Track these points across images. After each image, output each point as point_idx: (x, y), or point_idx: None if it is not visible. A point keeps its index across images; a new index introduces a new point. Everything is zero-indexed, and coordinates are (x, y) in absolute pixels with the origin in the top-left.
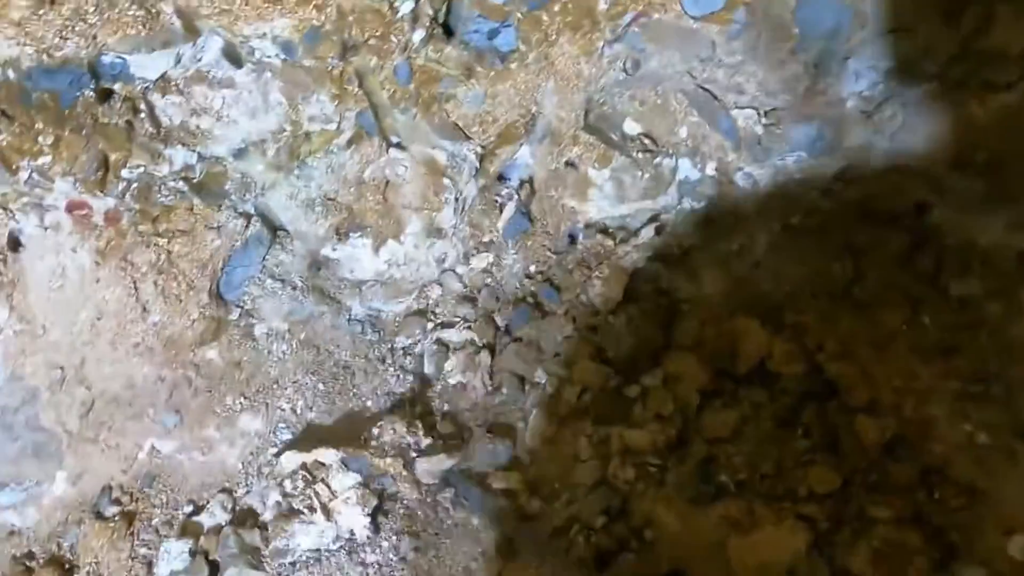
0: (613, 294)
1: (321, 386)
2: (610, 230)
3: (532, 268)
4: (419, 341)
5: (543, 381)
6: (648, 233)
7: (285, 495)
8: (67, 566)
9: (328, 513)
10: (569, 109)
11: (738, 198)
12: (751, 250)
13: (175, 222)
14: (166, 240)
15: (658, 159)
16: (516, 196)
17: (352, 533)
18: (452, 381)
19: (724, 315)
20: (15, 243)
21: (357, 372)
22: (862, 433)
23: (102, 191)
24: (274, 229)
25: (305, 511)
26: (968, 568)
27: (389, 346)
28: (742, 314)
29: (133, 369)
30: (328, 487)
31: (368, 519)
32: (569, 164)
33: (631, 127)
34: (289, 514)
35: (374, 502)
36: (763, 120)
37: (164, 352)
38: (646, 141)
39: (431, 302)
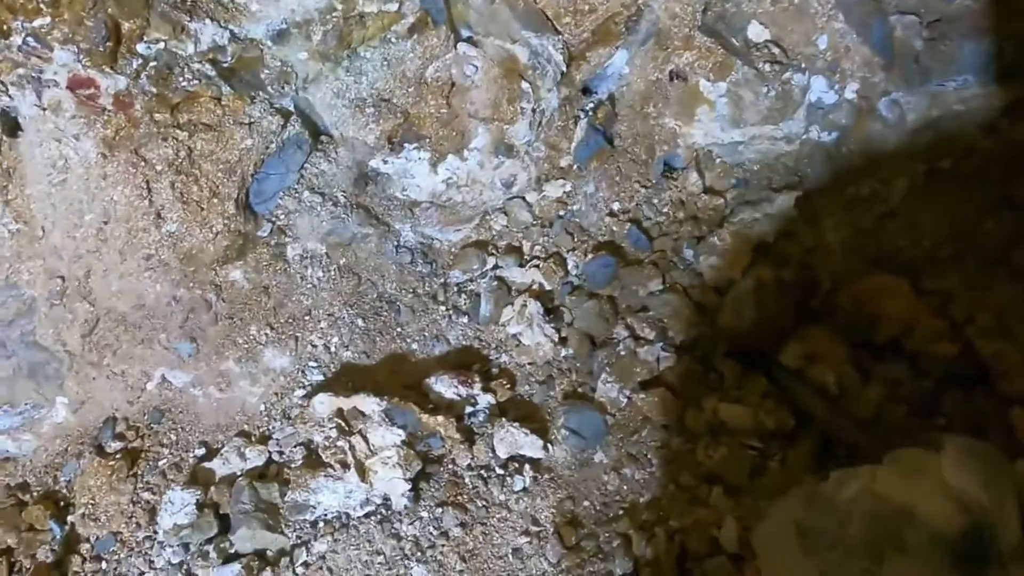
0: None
1: (360, 322)
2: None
3: (616, 205)
4: (477, 278)
5: (620, 339)
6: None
7: (313, 444)
8: (61, 503)
9: (363, 472)
10: (685, 2)
11: (879, 131)
12: (885, 197)
13: (199, 113)
14: (187, 134)
15: (787, 74)
16: (590, 113)
17: (387, 499)
18: (512, 331)
19: (853, 273)
20: (12, 126)
21: (403, 308)
22: (1018, 428)
23: (112, 67)
24: (316, 133)
25: (336, 466)
26: None
27: (442, 281)
28: (877, 271)
29: (144, 286)
30: (366, 441)
31: (408, 485)
32: (676, 75)
33: (757, 32)
34: (315, 465)
35: (418, 465)
36: (927, 32)
37: (180, 268)
38: (775, 50)
39: (494, 233)
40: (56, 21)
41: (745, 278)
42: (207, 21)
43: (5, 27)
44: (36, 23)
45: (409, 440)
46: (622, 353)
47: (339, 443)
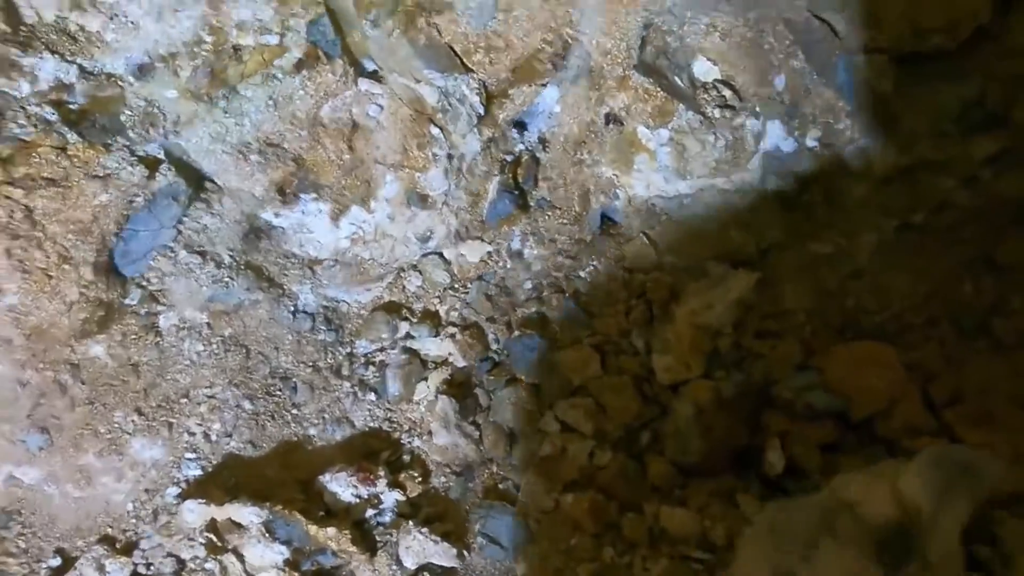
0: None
1: (248, 404)
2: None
3: (545, 266)
4: (387, 347)
5: (549, 432)
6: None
7: (181, 562)
8: None
9: None
10: (619, 37)
11: (843, 181)
12: (852, 254)
13: (37, 166)
14: (22, 191)
15: (739, 119)
16: (505, 170)
17: None
18: (423, 416)
19: (819, 342)
20: None
21: (300, 386)
22: (1009, 536)
23: None
24: (199, 180)
25: None
26: None
27: (348, 351)
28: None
29: None
30: (241, 561)
31: None
32: (611, 119)
33: (704, 70)
34: None
35: None
36: (898, 71)
37: (27, 346)
38: (724, 92)
39: (408, 294)
40: None
41: (682, 401)
42: (46, 55)
43: None
44: None
45: (294, 559)
46: (547, 450)
47: (207, 564)
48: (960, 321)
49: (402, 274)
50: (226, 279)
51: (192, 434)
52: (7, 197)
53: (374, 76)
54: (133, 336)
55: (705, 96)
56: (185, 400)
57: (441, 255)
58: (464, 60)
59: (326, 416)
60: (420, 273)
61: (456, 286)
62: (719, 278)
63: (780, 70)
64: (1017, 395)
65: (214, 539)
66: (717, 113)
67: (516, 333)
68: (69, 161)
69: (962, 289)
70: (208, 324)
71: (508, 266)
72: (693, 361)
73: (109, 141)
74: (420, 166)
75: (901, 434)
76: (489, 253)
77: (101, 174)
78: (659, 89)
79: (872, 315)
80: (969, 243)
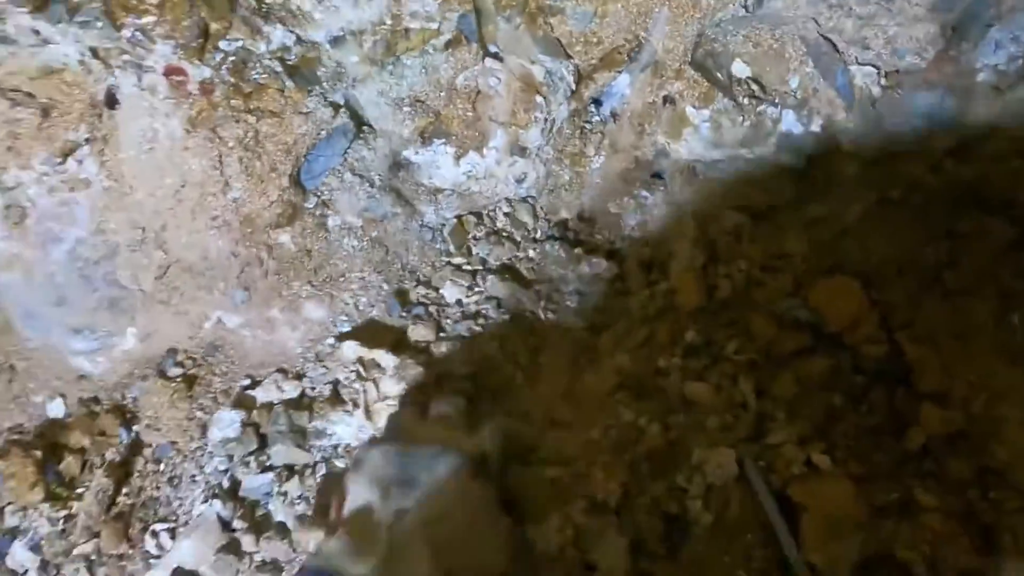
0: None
1: (386, 286)
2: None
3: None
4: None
5: None
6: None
7: (336, 383)
8: (128, 416)
9: (369, 414)
10: (679, 40)
11: (838, 161)
12: (840, 217)
13: (266, 101)
14: (255, 118)
15: (762, 107)
16: (581, 135)
17: None
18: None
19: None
20: (112, 100)
21: (422, 278)
22: (926, 421)
23: (200, 60)
24: (360, 124)
25: (349, 404)
26: (1015, 563)
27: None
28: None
29: (209, 241)
30: (377, 388)
31: None
32: (668, 99)
33: (740, 69)
34: (336, 402)
35: None
36: (883, 81)
37: (240, 229)
38: (753, 86)
39: (501, 221)
40: (160, 21)
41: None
42: (278, 25)
43: (119, 22)
44: (144, 20)
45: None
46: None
47: (355, 385)
48: (921, 274)
49: (499, 206)
50: (376, 196)
51: (346, 304)
52: (246, 121)
53: (496, 56)
54: (309, 231)
55: (738, 88)
56: (342, 279)
57: (529, 193)
58: (567, 50)
59: None
60: (512, 207)
61: (536, 226)
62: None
63: (795, 73)
64: (954, 328)
65: (361, 370)
66: (746, 101)
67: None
68: (285, 100)
69: (925, 251)
70: (361, 227)
71: (575, 203)
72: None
73: (310, 88)
74: (523, 124)
75: (861, 343)
76: (564, 184)
77: (304, 111)
78: (705, 80)
79: (853, 264)
80: (933, 216)
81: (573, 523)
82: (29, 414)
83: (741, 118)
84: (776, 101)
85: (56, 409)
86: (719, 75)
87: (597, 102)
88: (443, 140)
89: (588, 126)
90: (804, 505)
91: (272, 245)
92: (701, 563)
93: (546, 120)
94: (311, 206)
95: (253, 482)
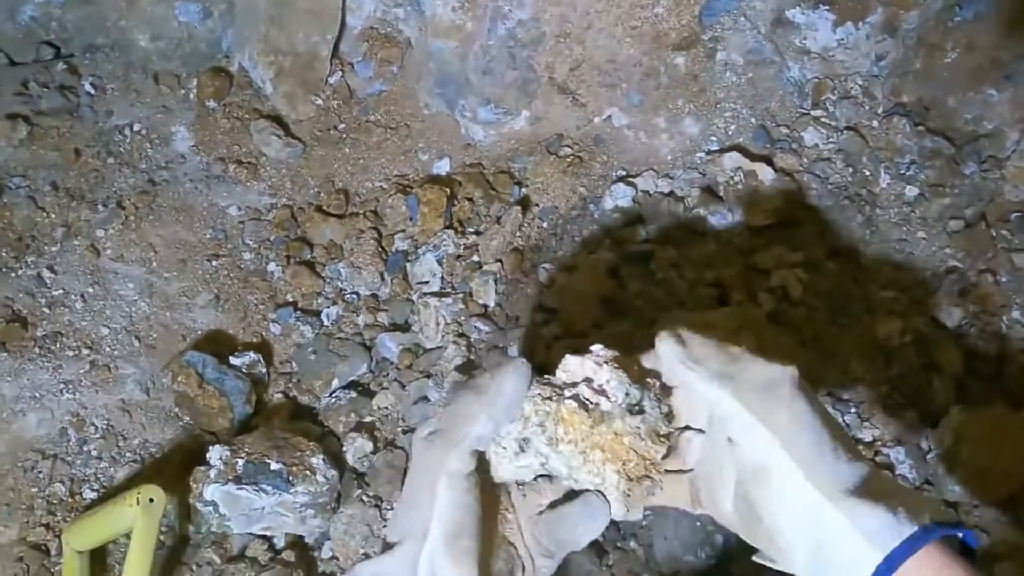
0: None
1: (753, 121)
2: None
3: None
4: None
5: None
6: None
7: (713, 185)
8: (515, 179)
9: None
10: None
11: None
12: None
13: None
14: None
15: None
16: None
17: None
18: None
19: None
20: None
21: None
22: None
23: None
24: None
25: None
26: None
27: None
28: None
29: (622, 48)
30: (757, 192)
31: None
32: None
33: None
34: (708, 200)
35: None
36: None
37: (650, 43)
38: None
39: (855, 90)
40: None
41: None
42: None
43: None
44: None
45: None
46: None
47: (739, 186)
48: None
49: (853, 77)
50: (760, 43)
51: (719, 128)
52: None
53: None
54: (700, 59)
55: None
56: (718, 106)
57: (878, 76)
58: None
59: None
60: (866, 82)
61: (881, 102)
62: None
63: None
64: None
65: (740, 177)
66: None
67: None
68: None
69: None
70: (742, 66)
71: None
72: None
73: None
74: (907, 6)
75: None
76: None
77: None
78: None
79: None
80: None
81: None
82: (415, 168)
83: None
84: None
85: (441, 167)
86: None
87: (960, 4)
88: (828, 7)
89: (950, 24)
90: None
91: (669, 64)
92: None
93: (924, 8)
94: (706, 39)
95: None
